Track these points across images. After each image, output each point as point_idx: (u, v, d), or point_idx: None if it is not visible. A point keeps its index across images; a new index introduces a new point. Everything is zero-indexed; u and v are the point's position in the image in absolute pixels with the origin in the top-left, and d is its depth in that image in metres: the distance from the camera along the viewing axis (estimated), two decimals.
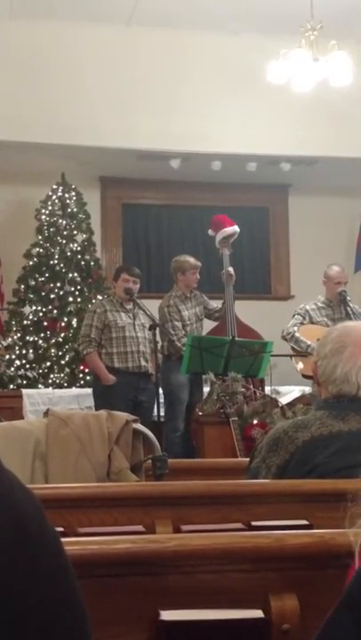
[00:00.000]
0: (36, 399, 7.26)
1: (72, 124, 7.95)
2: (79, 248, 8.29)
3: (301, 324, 6.90)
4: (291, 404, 5.97)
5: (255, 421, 5.63)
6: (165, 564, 1.45)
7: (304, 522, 2.04)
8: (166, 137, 8.17)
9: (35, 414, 6.86)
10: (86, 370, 7.63)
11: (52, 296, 8.12)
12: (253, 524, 2.05)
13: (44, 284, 8.16)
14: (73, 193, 8.43)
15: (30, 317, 8.06)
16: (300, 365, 6.78)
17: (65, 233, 8.29)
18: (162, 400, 6.64)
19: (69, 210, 8.38)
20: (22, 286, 8.21)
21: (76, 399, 7.31)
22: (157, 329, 6.52)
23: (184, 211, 9.54)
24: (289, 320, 6.99)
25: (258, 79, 7.42)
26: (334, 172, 8.82)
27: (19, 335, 8.02)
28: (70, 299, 8.10)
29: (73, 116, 7.96)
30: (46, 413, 3.04)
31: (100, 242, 8.93)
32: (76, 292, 8.15)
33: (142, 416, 5.54)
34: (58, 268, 8.17)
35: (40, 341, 7.99)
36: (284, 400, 6.29)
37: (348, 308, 6.83)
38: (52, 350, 7.92)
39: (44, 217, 8.34)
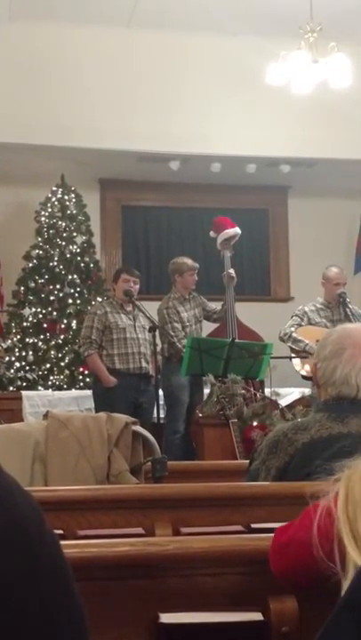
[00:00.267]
0: (35, 401, 7.26)
1: (72, 126, 7.95)
2: (79, 250, 8.29)
3: (299, 325, 6.90)
4: (290, 406, 5.97)
5: (255, 423, 5.63)
6: (165, 566, 1.45)
7: None
8: (166, 139, 8.18)
9: (34, 416, 6.86)
10: (86, 372, 7.63)
11: (51, 298, 8.12)
12: (253, 526, 2.05)
13: (43, 285, 8.16)
14: (72, 195, 8.43)
15: (30, 319, 8.06)
16: (306, 367, 6.77)
17: (64, 235, 8.30)
18: (162, 402, 6.65)
19: (69, 212, 8.38)
20: (22, 288, 8.21)
21: (75, 401, 7.31)
22: (157, 331, 6.52)
23: (184, 212, 9.54)
24: (288, 322, 7.00)
25: (257, 81, 7.42)
26: (334, 173, 8.83)
27: (18, 337, 8.02)
28: (70, 300, 8.10)
29: (72, 118, 7.97)
30: (46, 416, 3.04)
31: (99, 244, 8.93)
32: (76, 294, 8.15)
33: (142, 418, 5.55)
34: (57, 269, 8.17)
35: (40, 343, 7.99)
36: (283, 402, 6.29)
37: (348, 310, 6.82)
38: (52, 352, 7.92)
39: (43, 219, 8.34)
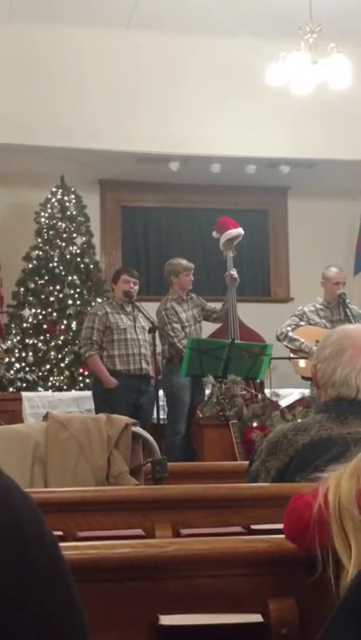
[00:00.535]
0: (35, 402, 7.26)
1: (71, 127, 7.96)
2: (79, 251, 8.30)
3: (297, 325, 6.90)
4: (290, 407, 5.97)
5: (255, 424, 5.63)
6: (164, 568, 1.45)
7: None
8: (165, 139, 8.18)
9: (34, 417, 6.86)
10: (86, 372, 7.63)
11: (51, 299, 8.12)
12: (253, 527, 2.05)
13: (43, 286, 8.16)
14: (72, 196, 8.44)
15: (30, 320, 8.06)
16: (301, 364, 6.77)
17: (64, 236, 8.30)
18: (162, 403, 6.64)
19: (69, 212, 8.38)
20: (22, 289, 8.21)
21: (75, 402, 7.31)
22: (157, 331, 6.52)
23: (183, 213, 9.54)
24: (286, 321, 7.00)
25: (257, 82, 7.42)
26: (333, 174, 8.83)
27: (18, 338, 8.02)
28: (70, 301, 8.10)
29: (72, 119, 7.97)
30: (45, 417, 3.04)
31: (99, 244, 8.94)
32: (76, 295, 8.15)
33: (142, 419, 5.56)
34: (57, 270, 8.17)
35: (39, 344, 7.99)
36: (283, 403, 6.29)
37: (348, 310, 6.83)
38: (52, 353, 7.92)
39: (43, 220, 8.35)
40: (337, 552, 1.30)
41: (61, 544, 0.94)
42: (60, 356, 7.91)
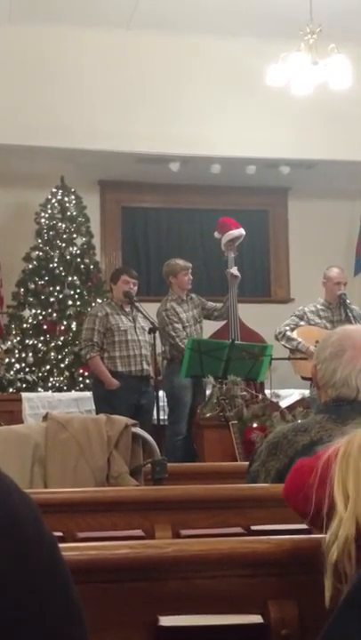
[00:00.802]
0: (35, 403, 7.26)
1: (72, 127, 7.95)
2: (79, 251, 8.29)
3: (297, 325, 6.90)
4: (290, 408, 5.97)
5: (255, 425, 5.63)
6: (164, 569, 1.44)
7: (303, 526, 2.03)
8: (166, 140, 8.18)
9: (34, 418, 6.85)
10: (86, 373, 7.63)
11: (51, 299, 8.12)
12: (253, 528, 2.05)
13: (43, 287, 8.16)
14: (72, 196, 8.43)
15: (30, 321, 8.06)
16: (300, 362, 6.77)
17: (64, 236, 8.29)
18: (162, 404, 6.64)
19: (69, 213, 8.38)
20: (22, 289, 8.20)
21: (75, 402, 7.31)
22: (157, 332, 6.51)
23: (184, 214, 9.54)
24: (286, 321, 7.00)
25: (257, 82, 7.42)
26: (334, 174, 8.83)
27: (18, 339, 8.02)
28: (70, 302, 8.10)
29: (72, 119, 7.97)
30: (45, 417, 3.04)
31: (99, 245, 8.93)
32: (76, 296, 8.15)
33: (143, 419, 5.55)
34: (57, 271, 8.17)
35: (39, 345, 7.98)
36: (283, 403, 6.29)
37: (348, 311, 6.83)
38: (52, 354, 7.91)
39: (43, 220, 8.34)
40: (333, 506, 1.32)
41: (61, 545, 0.94)
42: (59, 357, 7.91)
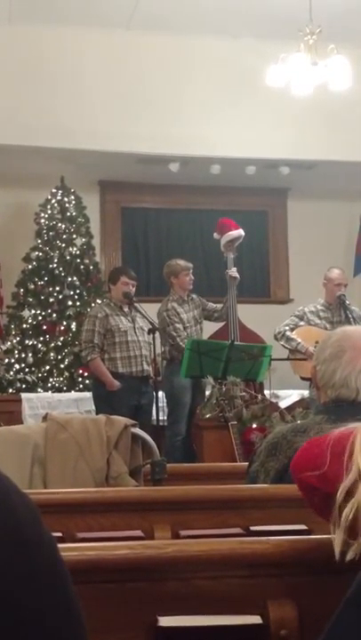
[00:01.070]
0: (35, 403, 7.26)
1: (72, 128, 7.96)
2: (78, 252, 8.29)
3: (296, 325, 6.90)
4: (290, 408, 5.98)
5: (254, 425, 5.64)
6: (163, 569, 1.44)
7: (303, 527, 2.04)
8: (166, 141, 8.18)
9: (34, 418, 6.85)
10: (85, 373, 7.63)
11: (51, 300, 8.12)
12: (252, 528, 2.05)
13: (43, 287, 8.16)
14: (72, 197, 8.44)
15: (29, 321, 8.06)
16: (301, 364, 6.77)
17: (64, 237, 8.30)
18: (161, 404, 6.64)
19: (69, 214, 8.38)
20: (21, 290, 8.21)
21: (75, 403, 7.31)
22: (156, 332, 6.51)
23: (183, 214, 9.54)
24: (285, 320, 7.01)
25: (257, 83, 7.43)
26: (333, 175, 8.83)
27: (18, 339, 8.02)
28: (69, 302, 8.10)
29: (72, 120, 7.97)
30: (45, 418, 3.04)
31: (99, 245, 8.93)
32: (76, 296, 8.15)
33: (143, 419, 5.55)
34: (57, 271, 8.17)
35: (39, 345, 7.98)
36: (283, 404, 6.29)
37: (348, 312, 6.83)
38: (52, 354, 7.91)
39: (43, 221, 8.34)
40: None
41: (60, 545, 0.94)
42: (59, 357, 7.91)
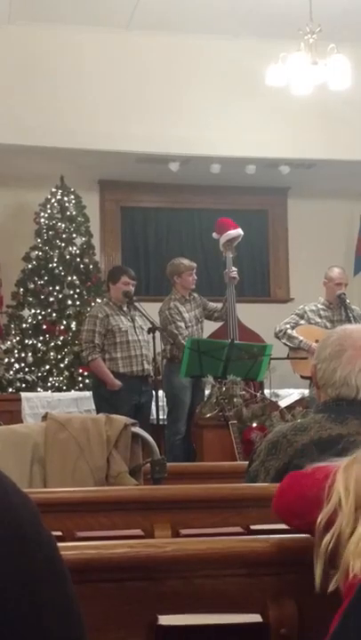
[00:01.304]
0: (34, 402, 7.26)
1: (71, 128, 7.95)
2: (78, 251, 8.29)
3: (296, 324, 6.90)
4: (290, 407, 5.98)
5: (254, 424, 5.64)
6: (163, 568, 1.44)
7: None
8: (165, 140, 8.17)
9: (34, 418, 6.85)
10: (85, 373, 7.63)
11: (51, 299, 8.11)
12: (252, 527, 2.04)
13: (43, 287, 8.15)
14: (72, 196, 8.43)
15: (29, 321, 8.06)
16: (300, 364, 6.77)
17: (64, 236, 8.29)
18: (161, 403, 6.64)
19: (68, 213, 8.38)
20: (21, 289, 8.20)
21: (75, 402, 7.31)
22: (156, 332, 6.50)
23: (183, 214, 9.54)
24: (286, 319, 7.00)
25: (257, 82, 7.42)
26: (333, 174, 8.83)
27: (18, 338, 8.02)
28: (69, 302, 8.10)
29: (72, 120, 7.96)
30: (45, 417, 3.04)
31: (99, 245, 8.93)
32: (76, 296, 8.14)
33: (142, 418, 5.55)
34: (57, 271, 8.17)
35: (39, 345, 7.98)
36: (283, 403, 6.29)
37: (348, 311, 6.83)
38: (51, 353, 7.91)
39: (42, 220, 8.34)
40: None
41: (60, 544, 0.94)
42: (59, 357, 7.91)
